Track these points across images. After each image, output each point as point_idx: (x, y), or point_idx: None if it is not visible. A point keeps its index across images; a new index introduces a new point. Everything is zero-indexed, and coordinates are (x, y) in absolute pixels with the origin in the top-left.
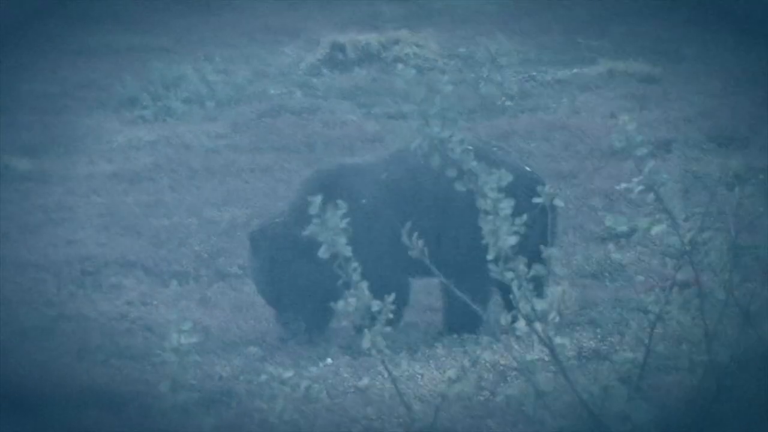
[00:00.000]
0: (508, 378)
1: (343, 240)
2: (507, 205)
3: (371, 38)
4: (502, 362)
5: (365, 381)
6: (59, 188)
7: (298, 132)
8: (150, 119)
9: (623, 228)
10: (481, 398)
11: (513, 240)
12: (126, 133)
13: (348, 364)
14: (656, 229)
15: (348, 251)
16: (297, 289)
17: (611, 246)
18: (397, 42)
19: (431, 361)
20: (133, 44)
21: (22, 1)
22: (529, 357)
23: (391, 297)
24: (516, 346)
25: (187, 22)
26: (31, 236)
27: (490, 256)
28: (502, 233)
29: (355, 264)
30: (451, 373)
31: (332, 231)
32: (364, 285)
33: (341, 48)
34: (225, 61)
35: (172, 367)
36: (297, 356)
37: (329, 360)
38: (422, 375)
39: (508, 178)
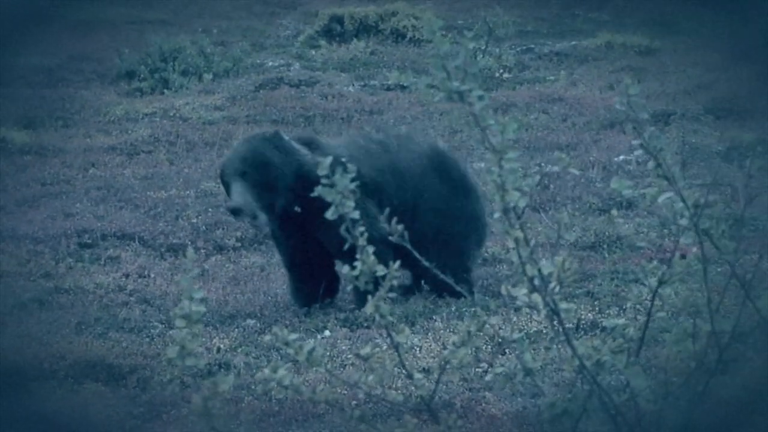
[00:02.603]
0: (507, 351)
1: (351, 203)
2: (513, 156)
3: (369, 10)
4: (501, 335)
5: (367, 349)
6: (57, 161)
7: (295, 104)
8: (147, 92)
9: (628, 191)
10: (479, 371)
11: (523, 201)
12: (123, 105)
13: (346, 337)
14: (663, 197)
15: (356, 214)
16: None
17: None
18: (394, 14)
19: (429, 334)
20: (130, 17)
21: None
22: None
23: (397, 263)
24: (515, 318)
25: None
26: (29, 209)
27: (496, 214)
28: (508, 186)
29: (362, 228)
30: (456, 338)
31: (341, 193)
32: (370, 249)
33: (339, 20)
34: (222, 34)
35: (181, 335)
36: (295, 328)
37: (327, 332)
38: (420, 347)
39: (513, 126)
